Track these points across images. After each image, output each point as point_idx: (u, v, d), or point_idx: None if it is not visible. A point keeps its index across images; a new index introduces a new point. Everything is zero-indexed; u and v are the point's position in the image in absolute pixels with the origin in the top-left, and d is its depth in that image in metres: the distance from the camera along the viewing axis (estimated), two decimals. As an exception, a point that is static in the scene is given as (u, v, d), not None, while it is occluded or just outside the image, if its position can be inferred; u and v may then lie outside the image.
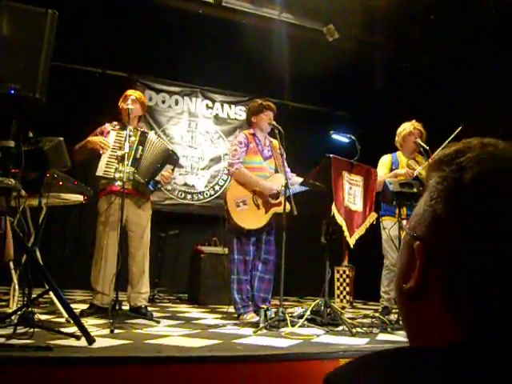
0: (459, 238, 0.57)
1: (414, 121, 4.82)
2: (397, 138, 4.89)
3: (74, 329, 2.88)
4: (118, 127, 4.26)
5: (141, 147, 4.16)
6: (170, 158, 4.27)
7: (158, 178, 4.21)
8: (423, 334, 0.62)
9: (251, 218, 4.35)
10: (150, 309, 4.81)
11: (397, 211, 4.29)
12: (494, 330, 0.55)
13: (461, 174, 0.60)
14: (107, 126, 4.29)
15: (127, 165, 3.98)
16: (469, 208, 0.58)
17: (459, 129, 4.40)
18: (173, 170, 4.38)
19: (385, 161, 4.89)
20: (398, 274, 0.66)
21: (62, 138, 3.18)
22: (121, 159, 3.96)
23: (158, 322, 3.90)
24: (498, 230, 0.56)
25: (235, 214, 4.33)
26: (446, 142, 4.41)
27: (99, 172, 4.02)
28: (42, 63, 2.63)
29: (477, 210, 0.57)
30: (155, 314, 4.42)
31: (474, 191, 0.58)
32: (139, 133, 4.23)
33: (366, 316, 4.78)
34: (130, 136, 4.09)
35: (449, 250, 0.58)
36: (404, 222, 4.42)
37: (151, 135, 4.31)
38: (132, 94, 4.40)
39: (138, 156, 4.13)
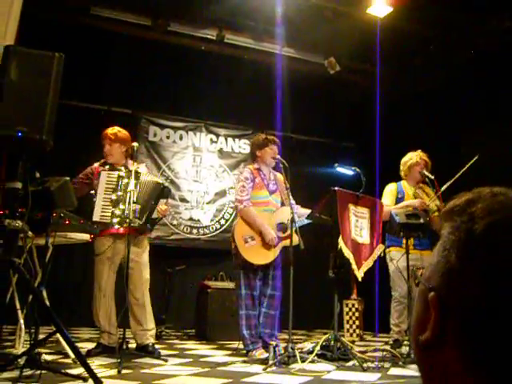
0: (473, 290, 0.57)
1: (419, 151, 4.82)
2: (402, 168, 4.89)
3: (81, 369, 2.84)
4: (107, 167, 4.21)
5: (136, 189, 4.07)
6: (162, 193, 4.25)
7: (154, 214, 4.20)
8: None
9: (260, 253, 4.33)
10: (157, 346, 4.75)
11: (404, 242, 4.25)
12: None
13: (472, 225, 0.60)
14: (97, 167, 4.24)
15: (122, 210, 3.98)
16: (481, 259, 0.57)
17: (475, 158, 4.35)
18: (166, 203, 4.37)
19: (391, 189, 4.88)
20: (414, 325, 0.66)
21: (68, 178, 3.21)
22: (115, 203, 3.96)
23: (166, 361, 3.85)
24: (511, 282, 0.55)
25: (244, 251, 4.31)
26: (462, 170, 4.38)
27: (95, 217, 3.99)
28: (48, 106, 2.67)
29: (489, 260, 0.57)
30: (163, 352, 4.36)
31: (485, 242, 0.58)
32: (132, 174, 4.06)
33: (376, 349, 4.70)
34: (122, 177, 4.07)
35: (463, 302, 0.58)
36: (415, 254, 4.40)
37: (143, 175, 4.20)
38: (108, 133, 4.27)
39: (135, 199, 4.01)
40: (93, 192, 4.15)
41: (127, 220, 3.90)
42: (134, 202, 3.99)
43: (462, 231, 0.61)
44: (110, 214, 3.99)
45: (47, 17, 5.84)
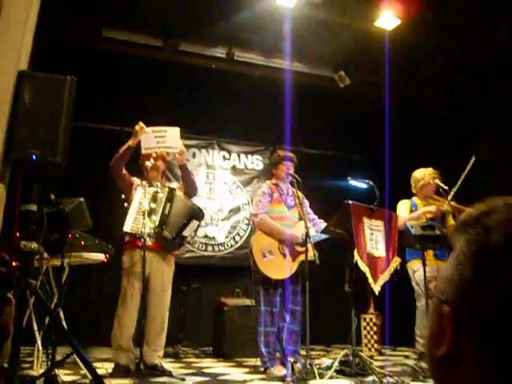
0: (490, 304, 0.56)
1: (430, 169, 4.79)
2: (413, 185, 4.87)
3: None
4: (144, 183, 4.28)
5: (169, 204, 4.18)
6: (196, 214, 4.29)
7: (185, 233, 4.22)
8: None
9: (278, 267, 4.30)
10: (174, 365, 4.75)
11: (422, 255, 4.20)
12: None
13: (487, 237, 0.59)
14: (136, 180, 4.33)
15: (154, 221, 4.01)
16: (497, 272, 0.56)
17: (472, 160, 4.42)
18: (198, 226, 4.38)
19: (405, 205, 4.85)
20: (429, 339, 0.64)
21: (82, 199, 3.24)
22: (148, 215, 3.97)
23: (184, 380, 3.83)
24: None
25: (262, 265, 4.29)
26: (463, 175, 4.43)
27: (126, 228, 4.02)
28: (62, 128, 2.70)
29: (505, 274, 0.56)
30: (180, 371, 4.35)
31: (501, 254, 0.57)
32: (167, 190, 4.25)
33: (395, 364, 4.63)
34: (157, 192, 4.13)
35: (480, 317, 0.56)
36: (436, 265, 4.35)
37: (178, 192, 4.32)
38: None
39: (167, 212, 4.13)
40: (126, 204, 4.18)
41: (157, 231, 3.96)
42: (166, 216, 4.06)
43: (477, 244, 0.60)
44: (140, 226, 3.99)
45: (60, 40, 5.93)
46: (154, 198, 4.07)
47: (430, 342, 0.64)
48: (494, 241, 0.58)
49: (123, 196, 4.28)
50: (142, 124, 4.20)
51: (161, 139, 4.19)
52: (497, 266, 0.56)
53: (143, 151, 4.22)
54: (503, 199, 0.63)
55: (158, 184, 4.22)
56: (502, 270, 0.56)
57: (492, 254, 0.57)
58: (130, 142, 4.18)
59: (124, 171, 4.24)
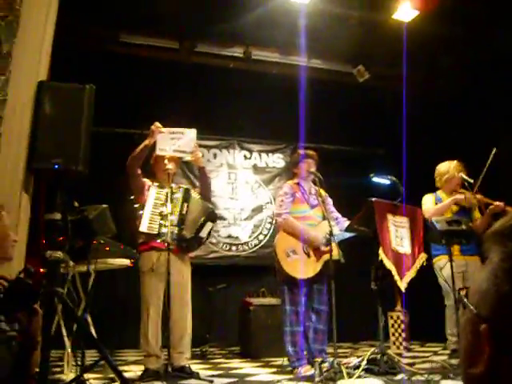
0: None
1: (456, 162, 4.70)
2: (437, 178, 4.79)
3: (128, 396, 2.85)
4: (156, 185, 4.27)
5: (186, 203, 4.18)
6: (211, 215, 4.29)
7: (202, 234, 4.22)
8: None
9: (303, 266, 4.28)
10: (201, 366, 4.77)
11: (448, 250, 4.13)
12: None
13: None
14: (147, 181, 4.31)
15: (172, 221, 4.01)
16: None
17: (494, 151, 4.33)
18: (212, 229, 4.37)
19: (430, 199, 4.77)
20: (464, 357, 0.62)
21: (106, 206, 3.26)
22: (165, 216, 3.97)
23: (212, 382, 3.83)
24: None
25: (286, 265, 4.27)
26: (485, 167, 4.35)
27: (143, 228, 4.01)
28: (82, 137, 2.73)
29: None
30: (208, 372, 4.36)
31: None
32: (183, 190, 4.25)
33: (424, 361, 4.58)
34: (173, 193, 4.13)
35: None
36: (462, 261, 4.30)
37: (194, 192, 4.33)
38: None
39: (184, 212, 4.13)
40: (138, 206, 4.18)
41: (175, 231, 3.97)
42: (185, 216, 4.07)
43: None
44: (157, 226, 3.99)
45: (77, 46, 5.99)
46: (170, 199, 4.05)
47: (464, 359, 0.61)
48: None
49: (132, 197, 4.27)
50: (158, 124, 4.20)
51: (177, 142, 4.17)
52: None
53: (157, 152, 4.18)
54: None
55: (173, 185, 4.18)
56: None
57: None
58: (147, 142, 4.17)
59: (139, 171, 4.23)
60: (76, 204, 3.19)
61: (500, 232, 0.61)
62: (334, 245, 4.02)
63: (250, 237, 7.23)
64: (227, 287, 6.56)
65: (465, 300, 0.63)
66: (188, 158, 4.32)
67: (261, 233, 7.29)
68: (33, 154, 2.74)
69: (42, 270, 2.81)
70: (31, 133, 2.75)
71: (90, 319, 3.99)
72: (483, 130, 6.01)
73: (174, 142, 4.17)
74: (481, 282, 0.61)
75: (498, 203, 4.42)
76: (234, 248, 7.13)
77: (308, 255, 4.33)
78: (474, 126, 6.27)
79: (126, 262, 3.94)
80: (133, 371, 4.33)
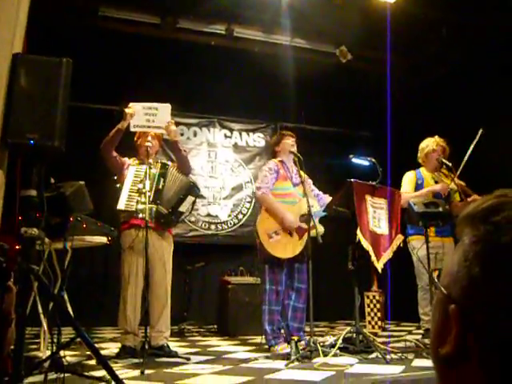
0: (499, 305, 0.54)
1: (436, 137, 4.74)
2: (419, 155, 4.82)
3: (104, 372, 2.85)
4: (136, 162, 4.25)
5: (162, 179, 4.14)
6: (192, 190, 4.25)
7: (181, 209, 4.19)
8: None
9: (285, 246, 4.30)
10: (178, 344, 4.79)
11: (424, 232, 4.18)
12: None
13: (498, 236, 0.56)
14: (127, 160, 4.28)
15: (149, 197, 3.98)
16: (506, 272, 0.54)
17: (480, 132, 4.35)
18: (194, 203, 4.35)
19: (410, 177, 4.81)
20: (433, 336, 0.63)
21: (83, 182, 3.21)
22: (142, 192, 3.93)
23: (189, 359, 3.85)
24: None
25: (269, 246, 4.28)
26: (471, 147, 4.37)
27: (120, 205, 3.98)
28: (59, 112, 2.67)
29: None
30: (185, 350, 4.39)
31: (511, 255, 0.55)
32: (160, 165, 4.22)
33: (398, 340, 4.67)
34: (150, 168, 4.08)
35: (487, 316, 0.55)
36: (436, 242, 4.34)
37: (172, 167, 4.29)
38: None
39: (160, 187, 4.09)
40: (119, 186, 4.14)
41: (153, 207, 3.95)
42: (160, 191, 4.05)
43: (487, 242, 0.57)
44: (135, 203, 3.96)
45: (55, 19, 5.85)
46: (148, 175, 4.01)
47: (433, 338, 0.62)
48: (505, 240, 0.55)
49: (115, 177, 4.24)
50: (132, 108, 4.12)
51: (151, 117, 4.11)
52: (508, 266, 0.54)
53: (131, 129, 4.11)
54: None
55: (151, 161, 4.12)
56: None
57: (503, 254, 0.55)
58: (120, 125, 4.10)
59: (114, 153, 4.17)
60: (52, 180, 3.15)
61: (473, 215, 0.61)
62: (315, 223, 4.05)
63: (229, 216, 7.23)
64: (206, 266, 6.58)
65: (436, 281, 0.63)
66: (162, 131, 4.26)
67: (240, 212, 7.30)
68: (7, 129, 2.68)
69: (17, 247, 2.78)
70: (5, 107, 2.67)
71: (66, 297, 3.97)
72: (469, 113, 6.04)
73: (148, 117, 4.11)
74: (452, 264, 0.61)
75: (476, 197, 4.44)
76: (213, 227, 7.13)
77: (290, 234, 4.35)
78: (459, 109, 6.30)
79: (104, 239, 3.90)
80: (110, 349, 4.33)
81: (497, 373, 0.54)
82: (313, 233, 4.06)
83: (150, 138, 4.21)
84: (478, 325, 0.55)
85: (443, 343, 0.59)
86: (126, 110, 4.09)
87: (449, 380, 0.60)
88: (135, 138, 4.38)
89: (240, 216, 7.28)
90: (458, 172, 4.46)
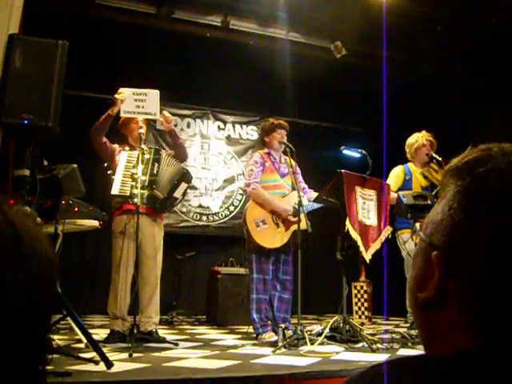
0: (480, 251, 0.57)
1: (424, 132, 4.79)
2: (408, 150, 4.87)
3: (93, 354, 2.88)
4: (127, 148, 4.25)
5: (156, 164, 4.15)
6: (185, 176, 4.28)
7: (175, 194, 4.22)
8: (438, 342, 0.61)
9: (272, 236, 4.34)
10: (168, 331, 4.82)
11: (414, 224, 4.23)
12: (508, 339, 0.55)
13: (482, 186, 0.59)
14: (117, 147, 4.29)
15: (144, 182, 4.00)
16: (491, 221, 0.57)
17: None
18: (186, 190, 4.38)
19: (397, 172, 4.86)
20: (413, 283, 0.65)
21: (75, 165, 3.24)
22: (135, 177, 3.94)
23: (177, 345, 3.89)
24: None
25: (256, 234, 4.33)
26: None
27: (114, 191, 3.98)
28: (53, 93, 2.69)
29: (499, 223, 0.56)
30: (174, 337, 4.41)
31: (497, 204, 0.57)
32: (153, 150, 4.22)
33: (386, 331, 4.72)
34: (143, 154, 4.10)
35: (469, 262, 0.57)
36: (417, 224, 4.38)
37: (164, 153, 4.31)
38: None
39: (155, 172, 4.10)
40: (110, 172, 4.15)
41: (148, 191, 3.96)
42: (155, 176, 4.06)
43: (471, 191, 0.60)
44: (128, 188, 3.97)
45: (51, 6, 5.83)
46: (141, 160, 4.03)
47: (414, 285, 0.65)
48: (488, 190, 0.58)
49: (106, 164, 4.24)
50: (121, 91, 4.13)
51: (140, 103, 4.12)
52: (490, 215, 0.57)
53: (122, 114, 4.12)
54: (498, 146, 0.62)
55: (143, 147, 4.13)
56: (497, 219, 0.56)
57: (486, 204, 0.58)
58: (110, 111, 4.10)
59: (104, 139, 4.17)
60: (45, 162, 3.17)
61: (458, 167, 0.64)
62: (302, 216, 4.08)
63: (220, 207, 7.26)
64: (196, 255, 6.61)
65: (417, 230, 0.66)
66: (157, 117, 4.27)
67: (232, 204, 7.33)
68: (1, 108, 2.70)
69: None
70: (0, 86, 2.70)
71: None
72: (461, 110, 6.10)
73: (137, 103, 4.12)
74: (436, 213, 0.64)
75: None
76: (204, 218, 7.15)
77: (277, 225, 4.39)
78: (451, 106, 6.35)
79: (95, 223, 3.93)
80: (99, 334, 4.34)
81: (473, 317, 0.57)
82: (302, 225, 4.10)
83: (141, 124, 4.23)
84: (460, 270, 0.58)
85: (424, 288, 0.62)
86: (117, 96, 4.10)
87: (429, 323, 0.63)
88: (119, 126, 4.37)
89: (231, 208, 7.31)
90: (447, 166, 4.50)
